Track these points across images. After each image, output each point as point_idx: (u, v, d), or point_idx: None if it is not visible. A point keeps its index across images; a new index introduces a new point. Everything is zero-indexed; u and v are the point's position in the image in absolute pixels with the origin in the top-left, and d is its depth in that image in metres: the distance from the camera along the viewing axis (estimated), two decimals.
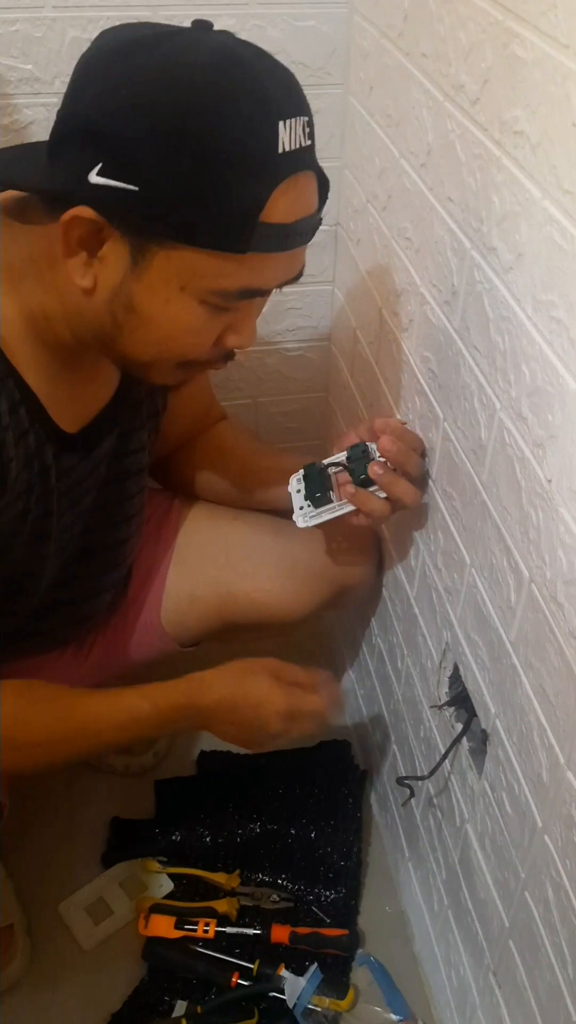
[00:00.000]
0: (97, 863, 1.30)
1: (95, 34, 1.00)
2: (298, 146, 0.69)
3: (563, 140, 0.59)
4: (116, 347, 0.78)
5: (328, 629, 1.59)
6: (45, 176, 0.72)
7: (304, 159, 0.71)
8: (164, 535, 1.16)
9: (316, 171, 0.74)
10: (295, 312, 1.30)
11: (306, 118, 0.71)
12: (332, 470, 0.97)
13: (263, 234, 0.69)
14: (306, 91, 1.09)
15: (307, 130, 0.71)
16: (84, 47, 1.00)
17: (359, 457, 0.93)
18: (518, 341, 0.69)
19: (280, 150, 0.68)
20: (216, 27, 1.03)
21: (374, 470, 0.90)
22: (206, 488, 1.18)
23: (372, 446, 0.93)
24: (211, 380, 1.18)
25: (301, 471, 0.98)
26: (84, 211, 0.68)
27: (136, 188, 0.67)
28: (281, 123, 0.67)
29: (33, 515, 0.85)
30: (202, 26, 0.71)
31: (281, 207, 0.70)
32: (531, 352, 0.67)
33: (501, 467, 0.75)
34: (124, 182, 0.67)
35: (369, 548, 1.16)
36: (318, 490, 0.95)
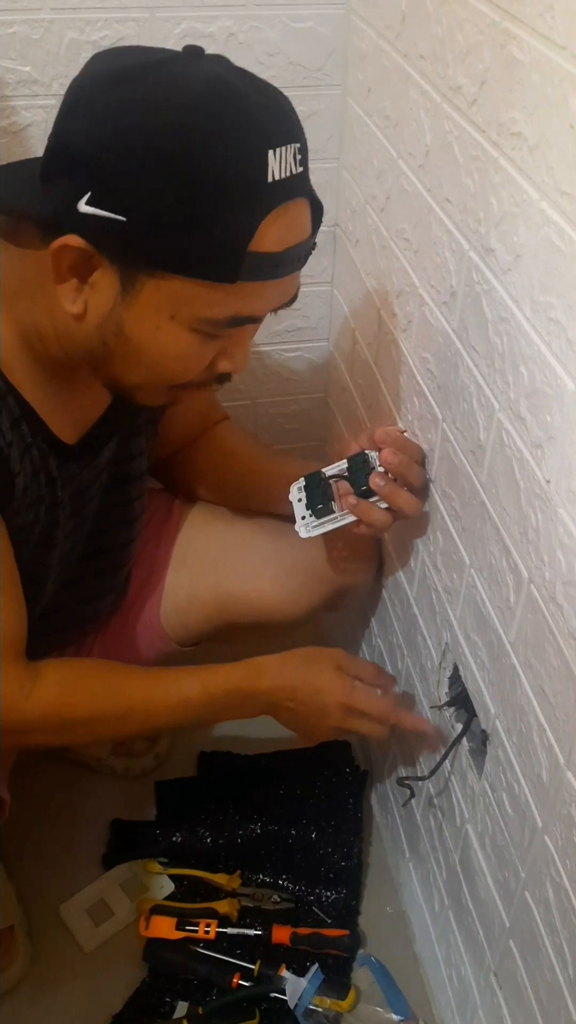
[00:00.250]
0: (98, 865, 1.30)
1: (93, 36, 1.02)
2: (289, 174, 0.69)
3: (561, 142, 0.59)
4: (106, 370, 0.79)
5: (328, 630, 1.59)
6: (37, 201, 0.72)
7: (295, 187, 0.71)
8: (164, 536, 1.16)
9: (309, 197, 0.73)
10: (293, 313, 1.30)
11: (298, 145, 0.70)
12: (333, 479, 0.96)
13: (253, 263, 0.69)
14: (304, 92, 1.11)
15: (298, 157, 0.70)
16: (82, 49, 1.01)
17: (360, 467, 0.93)
18: (516, 342, 0.69)
19: (270, 179, 0.67)
20: (214, 28, 1.04)
21: (375, 481, 0.90)
22: (205, 490, 1.18)
23: (373, 455, 0.92)
24: None
25: (302, 480, 0.98)
26: (73, 240, 0.69)
27: (124, 218, 0.67)
28: (271, 152, 0.67)
29: (41, 525, 0.85)
30: (193, 52, 0.71)
31: (271, 236, 0.70)
32: (529, 353, 0.67)
33: (500, 468, 0.75)
34: (112, 212, 0.67)
35: (369, 549, 1.16)
36: (320, 500, 0.95)
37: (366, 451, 0.93)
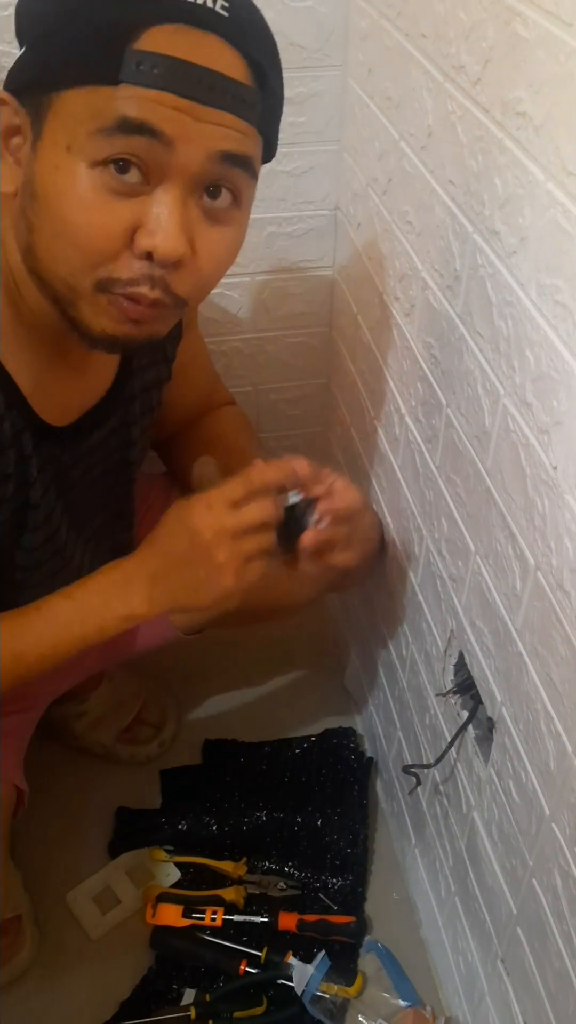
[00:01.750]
0: (104, 853, 1.30)
1: None
2: (198, 3, 0.65)
3: (567, 121, 0.58)
4: (38, 270, 0.73)
5: (332, 616, 1.59)
6: None
7: (208, 20, 0.65)
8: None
9: (238, 48, 0.67)
10: (295, 298, 1.29)
11: None
12: None
13: (136, 61, 0.64)
14: (304, 74, 1.09)
15: (222, 1, 0.66)
16: None
17: (295, 518, 0.86)
18: (522, 326, 0.68)
19: None
20: None
21: (305, 541, 0.85)
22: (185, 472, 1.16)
23: (299, 501, 0.85)
24: (214, 366, 1.18)
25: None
26: (1, 94, 0.70)
27: (26, 49, 0.68)
28: None
29: (12, 504, 0.83)
30: None
31: (160, 40, 0.64)
32: (535, 337, 0.66)
33: (505, 454, 0.75)
34: (21, 50, 0.69)
35: (372, 529, 1.15)
36: None
37: (306, 499, 0.86)
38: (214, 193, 0.71)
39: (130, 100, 0.65)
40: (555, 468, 0.66)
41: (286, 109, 0.99)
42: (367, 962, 1.18)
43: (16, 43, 0.70)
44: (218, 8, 0.66)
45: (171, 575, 0.82)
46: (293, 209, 1.19)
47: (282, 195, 1.17)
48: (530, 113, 0.63)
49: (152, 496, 1.15)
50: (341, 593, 1.42)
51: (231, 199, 0.72)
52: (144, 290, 0.71)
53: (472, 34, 0.71)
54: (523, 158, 0.65)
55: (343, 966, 1.16)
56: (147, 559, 0.84)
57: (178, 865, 1.28)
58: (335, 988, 1.13)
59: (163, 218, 0.68)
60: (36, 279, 0.75)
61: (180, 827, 1.31)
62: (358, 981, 1.14)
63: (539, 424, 0.68)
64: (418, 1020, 1.11)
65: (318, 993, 1.12)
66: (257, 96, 0.70)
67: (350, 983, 1.13)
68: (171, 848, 1.29)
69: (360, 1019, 1.12)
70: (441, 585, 0.96)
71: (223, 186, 0.71)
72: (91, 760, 1.40)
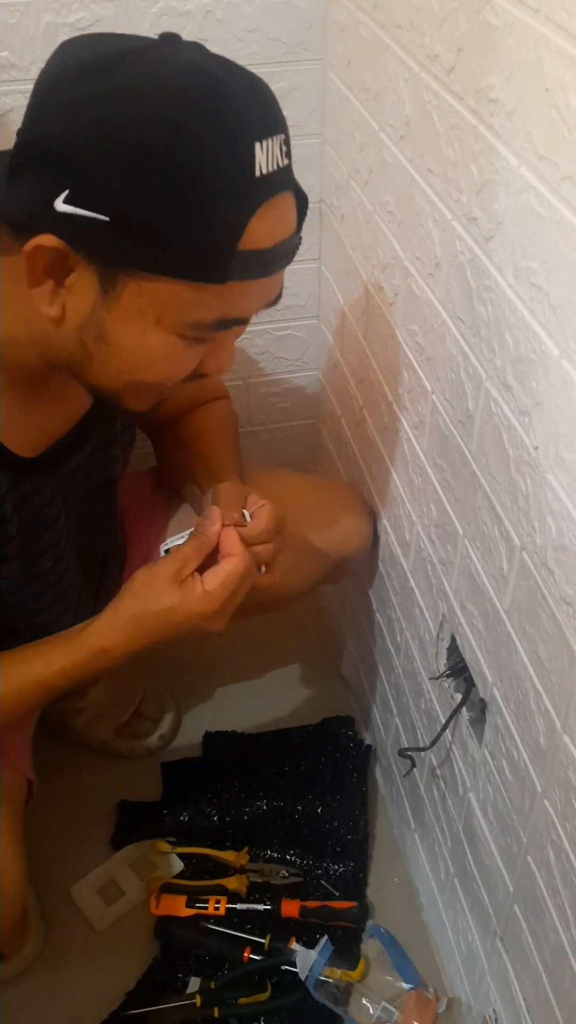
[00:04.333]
0: (107, 846, 1.31)
1: (70, 18, 1.01)
2: (276, 167, 0.66)
3: (537, 106, 0.59)
4: (88, 375, 0.75)
5: (327, 605, 1.60)
6: (5, 199, 0.68)
7: (282, 180, 0.67)
8: (158, 519, 1.16)
9: (294, 190, 0.70)
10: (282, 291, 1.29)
11: (283, 136, 0.67)
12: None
13: (242, 262, 0.66)
14: (284, 68, 1.10)
15: (284, 148, 0.67)
16: (59, 31, 1.01)
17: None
18: (500, 310, 0.70)
19: (258, 173, 0.64)
20: (191, 6, 1.04)
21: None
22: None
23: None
24: None
25: (164, 548, 0.89)
26: (49, 239, 0.65)
27: (106, 217, 0.63)
28: (258, 144, 0.64)
29: None
30: (170, 40, 0.67)
31: (260, 233, 0.66)
32: (514, 320, 0.67)
33: (489, 437, 0.76)
34: (92, 211, 0.63)
35: (365, 517, 1.16)
36: None
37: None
38: None
39: (231, 302, 0.69)
40: (536, 448, 0.67)
41: None
42: (369, 946, 1.19)
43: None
44: (284, 160, 0.68)
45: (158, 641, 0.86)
46: None
47: None
48: (502, 99, 0.64)
49: (140, 495, 1.15)
50: (335, 584, 1.43)
51: None
52: (190, 383, 0.79)
53: (445, 24, 0.72)
54: (497, 144, 0.66)
55: (346, 951, 1.17)
56: (117, 644, 0.86)
57: (181, 856, 1.29)
58: (338, 973, 1.14)
59: (229, 352, 0.77)
60: (70, 373, 0.77)
61: (182, 818, 1.32)
62: (361, 965, 1.15)
63: (520, 406, 0.69)
64: (421, 1002, 1.12)
65: (322, 978, 1.13)
66: (301, 225, 0.73)
67: (353, 967, 1.15)
68: (173, 839, 1.30)
69: (364, 1002, 1.13)
70: (432, 570, 0.97)
71: None
72: (92, 755, 1.41)
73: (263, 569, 0.90)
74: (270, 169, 0.65)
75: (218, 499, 0.89)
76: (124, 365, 0.73)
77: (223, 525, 0.85)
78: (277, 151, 0.66)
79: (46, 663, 0.87)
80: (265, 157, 0.65)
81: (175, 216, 0.63)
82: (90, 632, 0.86)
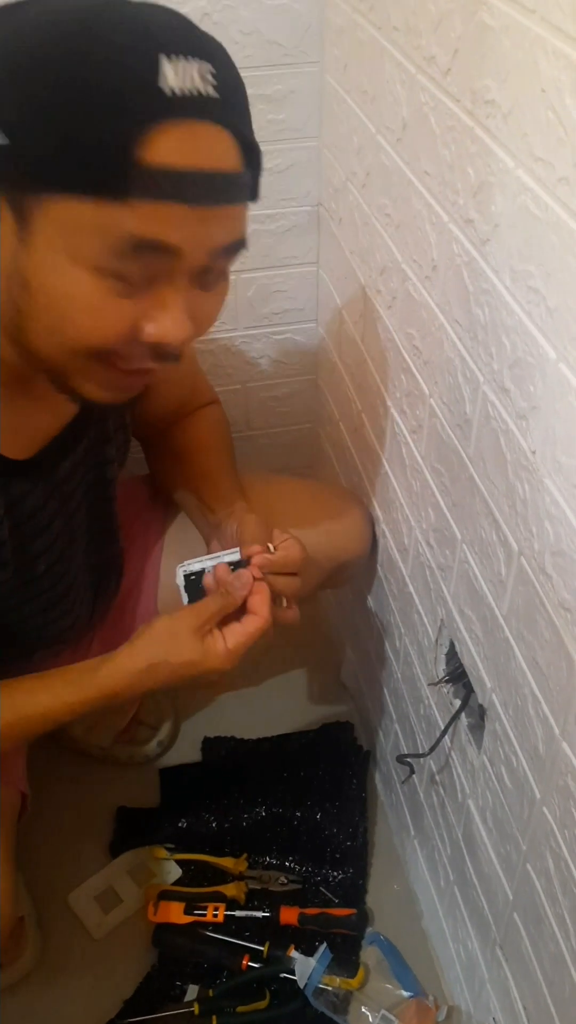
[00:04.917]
0: (105, 853, 1.30)
1: None
2: (195, 92, 0.62)
3: (533, 107, 0.59)
4: (27, 342, 0.72)
5: (326, 612, 1.59)
6: None
7: (206, 109, 0.62)
8: (154, 524, 1.16)
9: (232, 130, 0.65)
10: (281, 295, 1.29)
11: (208, 65, 0.62)
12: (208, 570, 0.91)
13: (146, 177, 0.61)
14: (281, 71, 1.10)
15: (209, 78, 0.62)
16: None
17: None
18: (498, 313, 0.69)
19: (163, 87, 0.60)
20: (185, 10, 1.03)
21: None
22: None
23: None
24: (199, 365, 1.18)
25: (183, 572, 0.91)
26: None
27: (7, 140, 0.61)
28: (164, 57, 0.60)
29: None
30: None
31: (167, 148, 0.61)
32: (511, 323, 0.67)
33: (486, 441, 0.75)
34: None
35: (363, 522, 1.15)
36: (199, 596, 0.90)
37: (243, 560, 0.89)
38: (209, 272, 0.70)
39: (140, 218, 0.63)
40: (533, 452, 0.67)
41: (266, 107, 0.99)
42: (369, 954, 1.19)
43: None
44: (211, 92, 0.63)
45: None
46: (275, 206, 1.19)
47: (264, 193, 1.15)
48: (498, 101, 0.64)
49: (137, 502, 1.14)
50: (334, 589, 1.43)
51: (223, 270, 0.72)
52: (148, 364, 0.72)
53: (441, 25, 0.72)
54: (493, 146, 0.65)
55: (345, 958, 1.17)
56: (143, 684, 0.87)
57: (179, 863, 1.28)
58: (337, 980, 1.13)
59: (171, 313, 0.69)
60: (18, 346, 0.73)
61: (180, 825, 1.31)
62: (360, 973, 1.14)
63: (517, 409, 0.68)
64: (420, 1010, 1.11)
65: (321, 986, 1.12)
66: (247, 173, 0.68)
67: (352, 975, 1.14)
68: (172, 846, 1.30)
69: (363, 1011, 1.12)
70: (430, 575, 0.97)
71: (218, 267, 0.71)
72: (90, 761, 1.40)
73: (284, 604, 0.91)
74: (184, 90, 0.61)
75: (244, 533, 0.91)
76: (49, 318, 0.68)
77: (250, 556, 0.87)
78: (196, 76, 0.62)
79: (54, 696, 0.87)
80: (177, 76, 0.61)
81: (66, 125, 0.60)
82: (103, 674, 0.87)
